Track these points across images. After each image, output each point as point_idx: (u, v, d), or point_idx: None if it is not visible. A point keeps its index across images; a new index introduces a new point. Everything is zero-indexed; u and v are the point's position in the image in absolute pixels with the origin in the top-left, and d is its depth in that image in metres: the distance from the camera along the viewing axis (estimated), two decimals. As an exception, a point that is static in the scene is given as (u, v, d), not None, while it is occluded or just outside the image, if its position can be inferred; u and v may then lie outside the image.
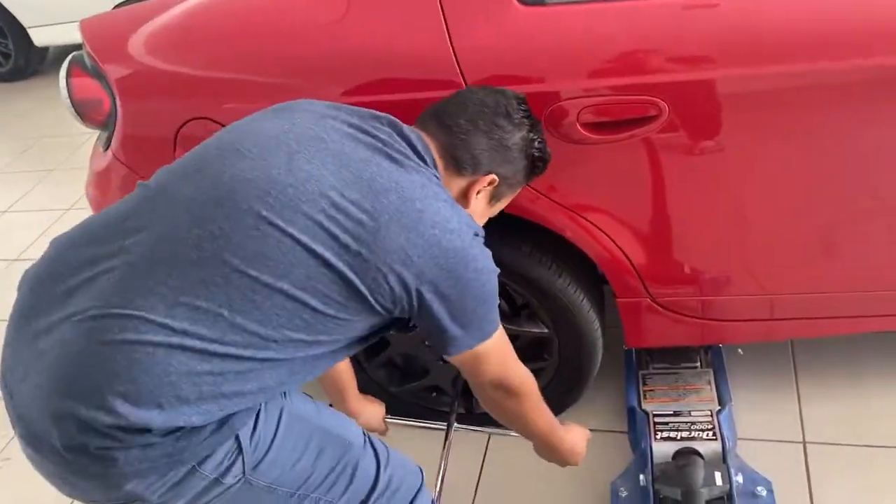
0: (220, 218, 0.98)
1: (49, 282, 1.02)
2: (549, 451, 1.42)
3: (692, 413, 1.65)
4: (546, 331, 1.68)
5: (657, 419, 1.65)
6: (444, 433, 1.64)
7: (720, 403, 1.68)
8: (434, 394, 1.89)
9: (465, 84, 1.35)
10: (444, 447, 1.60)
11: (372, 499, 1.18)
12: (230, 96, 1.48)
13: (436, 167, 1.16)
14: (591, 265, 1.60)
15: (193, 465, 1.00)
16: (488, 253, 1.13)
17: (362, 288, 1.01)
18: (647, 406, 1.71)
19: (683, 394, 1.73)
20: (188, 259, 0.96)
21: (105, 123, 1.60)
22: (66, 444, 0.94)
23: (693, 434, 1.60)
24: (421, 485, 1.28)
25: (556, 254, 1.56)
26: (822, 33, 1.26)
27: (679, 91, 1.30)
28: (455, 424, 1.66)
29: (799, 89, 1.29)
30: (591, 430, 1.81)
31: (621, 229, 1.49)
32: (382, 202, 1.02)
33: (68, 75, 1.62)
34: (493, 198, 1.26)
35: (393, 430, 1.71)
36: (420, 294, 1.05)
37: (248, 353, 0.98)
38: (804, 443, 1.71)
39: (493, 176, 1.21)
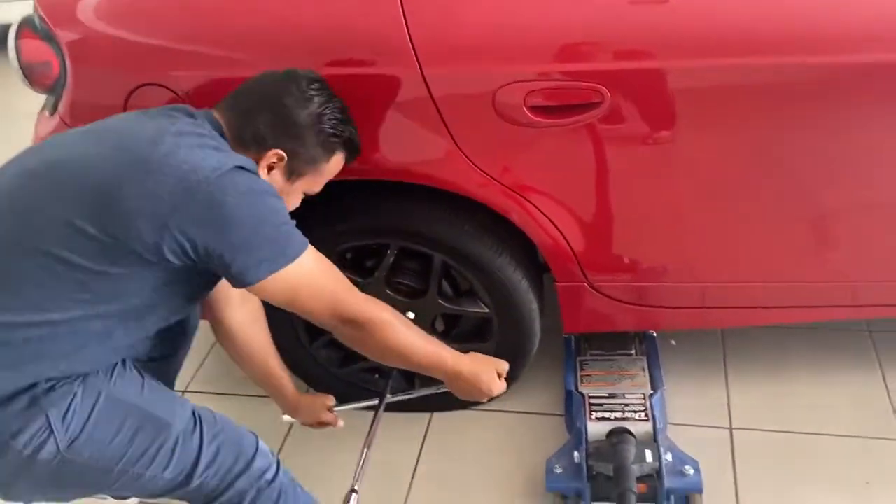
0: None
1: None
2: (452, 381, 1.38)
3: (626, 396, 1.71)
4: (487, 311, 1.72)
5: (592, 400, 1.70)
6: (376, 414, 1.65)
7: (653, 388, 1.74)
8: (377, 375, 1.91)
9: (419, 65, 1.39)
10: (370, 428, 1.60)
11: (197, 471, 1.23)
12: (180, 64, 1.48)
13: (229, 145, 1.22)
14: (531, 248, 1.66)
15: (7, 439, 1.09)
16: (256, 179, 1.17)
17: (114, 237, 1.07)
18: (584, 389, 1.76)
19: (618, 378, 1.78)
20: None
21: (53, 87, 1.59)
22: None
23: (626, 415, 1.65)
24: (255, 451, 1.30)
25: (498, 234, 1.61)
26: (754, 32, 1.33)
27: (620, 79, 1.36)
28: (386, 401, 1.67)
29: (731, 83, 1.36)
30: (531, 412, 1.88)
31: (563, 214, 1.54)
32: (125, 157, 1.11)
33: (18, 37, 1.60)
34: (292, 173, 1.29)
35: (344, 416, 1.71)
36: (180, 228, 1.07)
37: (23, 318, 1.07)
38: (731, 428, 1.78)
39: (279, 151, 1.25)
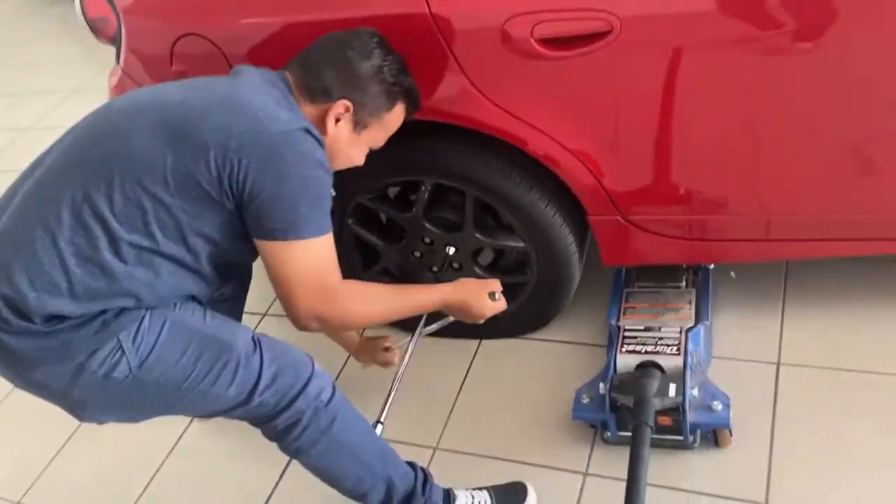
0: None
1: None
2: (449, 310, 1.51)
3: (662, 329, 1.68)
4: (523, 245, 1.74)
5: (627, 333, 1.70)
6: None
7: (696, 321, 1.71)
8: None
9: (428, 7, 1.40)
10: (406, 352, 1.69)
11: (258, 389, 1.32)
12: (219, 14, 1.57)
13: (297, 102, 1.31)
14: (566, 185, 1.64)
15: (82, 360, 1.19)
16: (317, 147, 1.25)
17: (191, 166, 1.18)
18: (623, 321, 1.75)
19: (662, 311, 1.76)
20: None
21: (114, 39, 1.73)
22: None
23: (658, 349, 1.64)
24: (311, 373, 1.38)
25: (528, 170, 1.61)
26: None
27: (630, 8, 1.31)
28: (420, 334, 1.73)
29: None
30: (576, 343, 1.90)
31: (583, 146, 1.53)
32: (213, 99, 1.22)
33: (82, -6, 1.75)
34: (358, 124, 1.36)
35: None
36: (240, 163, 1.17)
37: (102, 244, 1.18)
38: (778, 364, 1.72)
39: (347, 102, 1.32)
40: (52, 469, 1.96)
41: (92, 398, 1.27)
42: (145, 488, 1.85)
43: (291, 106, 1.29)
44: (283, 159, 1.19)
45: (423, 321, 1.73)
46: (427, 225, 1.77)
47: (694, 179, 1.56)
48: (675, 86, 1.40)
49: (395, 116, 1.41)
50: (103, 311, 1.22)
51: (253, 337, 1.35)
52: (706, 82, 1.40)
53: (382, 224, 1.91)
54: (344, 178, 1.67)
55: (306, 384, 1.35)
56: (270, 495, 1.75)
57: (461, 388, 1.89)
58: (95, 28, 1.76)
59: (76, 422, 1.91)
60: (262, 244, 1.25)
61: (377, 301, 1.39)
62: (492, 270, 1.86)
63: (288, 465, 1.77)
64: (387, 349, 1.84)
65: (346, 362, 1.99)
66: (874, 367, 1.65)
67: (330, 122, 1.33)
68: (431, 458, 1.73)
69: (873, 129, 1.43)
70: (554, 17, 1.34)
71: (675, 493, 1.54)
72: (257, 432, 1.65)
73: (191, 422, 1.98)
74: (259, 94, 1.26)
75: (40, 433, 2.05)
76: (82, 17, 1.75)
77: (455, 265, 1.84)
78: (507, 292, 1.87)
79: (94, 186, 1.19)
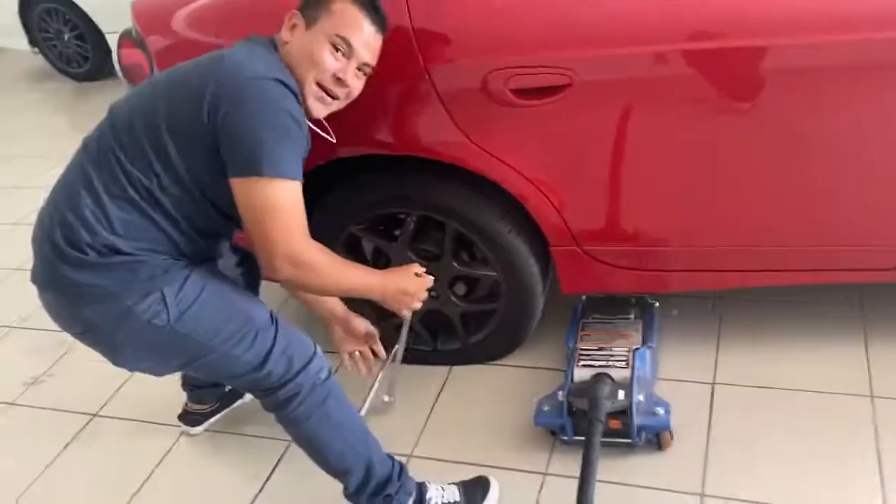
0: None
1: None
2: (385, 297, 1.60)
3: (613, 349, 1.93)
4: (494, 273, 1.99)
5: (582, 352, 1.94)
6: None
7: (642, 344, 1.96)
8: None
9: (421, 59, 1.69)
10: (388, 359, 1.89)
11: (271, 358, 1.53)
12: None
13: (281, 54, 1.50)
14: (533, 221, 1.90)
15: (129, 304, 1.42)
16: (287, 96, 1.39)
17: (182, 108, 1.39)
18: (579, 344, 1.99)
19: (614, 338, 2.00)
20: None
21: (146, 83, 1.99)
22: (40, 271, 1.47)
23: (610, 363, 1.88)
24: (314, 353, 1.59)
25: (500, 204, 1.87)
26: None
27: (587, 65, 1.61)
28: (399, 345, 1.93)
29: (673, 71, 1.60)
30: (536, 367, 2.13)
31: (549, 184, 1.80)
32: (203, 57, 1.47)
33: (120, 46, 2.03)
34: (309, 22, 1.49)
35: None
36: (216, 104, 1.35)
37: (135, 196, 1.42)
38: (713, 383, 1.97)
39: (293, 10, 1.51)
40: (40, 482, 2.06)
41: (131, 341, 1.48)
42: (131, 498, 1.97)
43: (270, 60, 1.45)
44: (251, 102, 1.35)
45: (401, 341, 1.94)
46: (410, 255, 2.01)
47: (641, 217, 1.84)
48: (624, 135, 1.69)
49: (342, 7, 1.48)
50: (148, 260, 1.42)
51: (271, 314, 1.57)
52: (648, 134, 1.69)
53: (368, 254, 2.15)
54: (338, 209, 1.94)
55: (309, 361, 1.56)
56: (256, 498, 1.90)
57: (433, 406, 2.09)
58: (128, 74, 2.02)
59: (67, 437, 2.16)
60: (232, 182, 1.39)
61: (335, 260, 1.50)
62: (466, 300, 2.11)
63: (270, 476, 1.95)
64: (372, 351, 1.92)
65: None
66: (792, 385, 1.92)
67: (286, 32, 1.51)
68: (407, 463, 1.91)
69: (796, 178, 1.70)
70: (525, 72, 1.64)
71: (623, 488, 1.74)
72: (240, 446, 1.83)
73: (180, 435, 2.13)
74: (241, 50, 1.46)
75: (32, 446, 2.18)
76: (118, 65, 2.02)
77: (433, 293, 2.07)
78: (479, 320, 2.13)
79: (114, 139, 1.44)
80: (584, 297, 2.16)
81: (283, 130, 1.37)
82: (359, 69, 1.53)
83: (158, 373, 1.62)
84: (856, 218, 1.74)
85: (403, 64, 1.70)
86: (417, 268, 1.67)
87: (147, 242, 1.44)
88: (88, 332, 1.49)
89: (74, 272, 1.41)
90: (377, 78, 1.65)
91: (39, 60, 5.91)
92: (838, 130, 1.61)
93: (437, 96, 1.72)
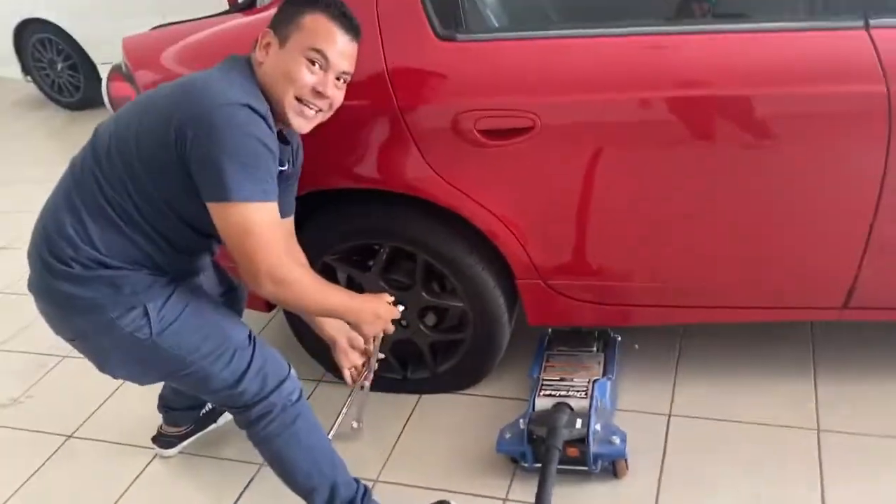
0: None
1: None
2: (358, 318, 1.67)
3: (574, 380, 2.01)
4: (462, 304, 2.07)
5: (545, 382, 2.01)
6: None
7: (602, 376, 2.04)
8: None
9: (395, 100, 1.79)
10: (357, 386, 1.96)
11: (247, 377, 1.61)
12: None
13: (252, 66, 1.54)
14: (501, 255, 1.99)
15: (113, 317, 1.50)
16: (256, 122, 1.42)
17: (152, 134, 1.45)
18: (542, 375, 2.07)
19: (576, 370, 2.08)
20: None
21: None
22: (34, 282, 1.55)
23: (570, 393, 1.95)
24: (287, 374, 1.66)
25: (469, 238, 1.96)
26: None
27: (548, 110, 1.72)
28: (368, 373, 1.96)
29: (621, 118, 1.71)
30: (504, 397, 2.20)
31: (514, 220, 1.89)
32: (176, 82, 1.52)
33: (110, 79, 2.12)
34: (282, 40, 1.50)
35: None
36: (183, 132, 1.39)
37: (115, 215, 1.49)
38: (669, 414, 2.05)
39: (266, 29, 1.53)
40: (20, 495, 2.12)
41: (116, 350, 1.57)
42: (109, 509, 2.02)
43: (243, 84, 1.47)
44: (217, 129, 1.38)
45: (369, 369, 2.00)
46: (382, 284, 2.09)
47: (601, 254, 1.93)
48: (584, 177, 1.79)
49: (313, 21, 1.49)
50: (130, 275, 1.50)
51: (250, 334, 1.65)
52: (607, 176, 1.79)
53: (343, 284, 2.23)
54: (315, 239, 2.02)
55: (282, 382, 1.64)
56: (226, 515, 1.96)
57: (401, 433, 2.15)
58: (116, 106, 2.11)
59: (42, 458, 2.23)
60: (208, 206, 1.44)
61: (316, 279, 1.59)
62: (436, 330, 2.19)
63: (240, 497, 2.00)
64: (364, 364, 1.93)
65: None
66: (744, 418, 2.00)
67: (260, 52, 1.52)
68: (373, 488, 1.96)
69: (744, 219, 1.80)
70: (491, 114, 1.75)
71: (580, 513, 1.81)
72: (212, 468, 1.96)
73: (154, 457, 2.18)
74: (213, 75, 1.48)
75: (6, 466, 2.23)
76: (106, 97, 2.11)
77: (403, 322, 2.15)
78: (448, 350, 2.21)
79: (94, 161, 1.51)
80: (550, 330, 2.25)
81: (251, 155, 1.41)
82: (338, 78, 1.55)
83: (141, 382, 1.71)
84: (801, 258, 1.84)
85: (378, 104, 1.80)
86: (388, 297, 1.76)
87: (128, 259, 1.51)
88: (78, 339, 1.58)
89: (62, 284, 1.49)
90: (355, 115, 1.75)
91: (32, 89, 6.02)
92: (780, 174, 1.71)
93: (409, 135, 1.82)
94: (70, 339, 1.60)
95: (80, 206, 1.50)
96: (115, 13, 5.05)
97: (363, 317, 1.68)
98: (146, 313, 1.52)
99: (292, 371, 1.69)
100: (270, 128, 1.47)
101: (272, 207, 1.46)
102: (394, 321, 1.77)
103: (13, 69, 5.84)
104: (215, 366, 1.59)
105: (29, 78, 5.85)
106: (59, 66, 5.65)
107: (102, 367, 1.64)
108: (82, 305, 1.50)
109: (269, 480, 1.75)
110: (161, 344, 1.54)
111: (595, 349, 2.16)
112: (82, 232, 1.49)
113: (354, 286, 2.18)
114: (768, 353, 2.20)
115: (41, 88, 5.90)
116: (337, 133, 1.76)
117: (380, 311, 1.71)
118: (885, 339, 2.17)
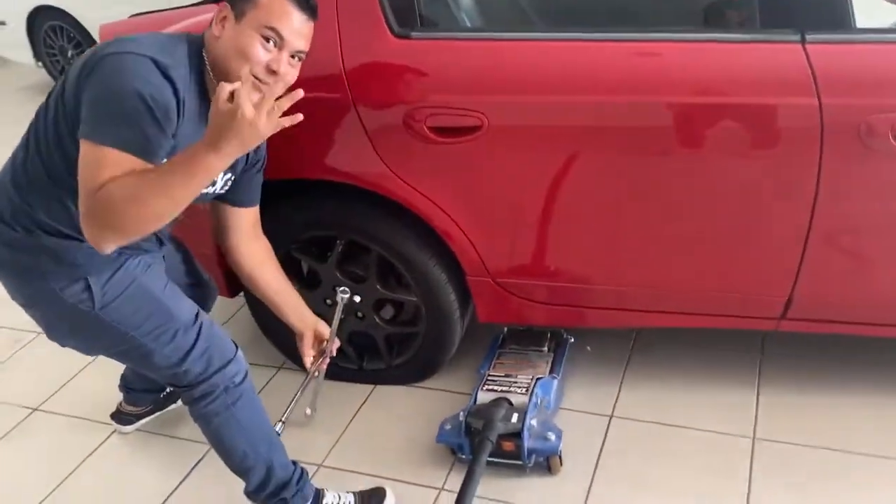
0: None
1: None
2: (212, 157, 1.32)
3: (518, 376, 2.05)
4: (415, 298, 2.12)
5: (489, 377, 2.06)
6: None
7: (547, 374, 2.07)
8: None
9: (350, 95, 1.84)
10: (312, 374, 2.01)
11: (190, 357, 1.65)
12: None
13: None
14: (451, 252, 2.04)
15: (56, 288, 1.55)
16: (147, 74, 1.35)
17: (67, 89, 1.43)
18: (490, 371, 2.11)
19: (524, 367, 2.12)
20: None
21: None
22: None
23: (511, 389, 1.99)
24: (233, 357, 1.69)
25: (421, 234, 2.01)
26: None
27: (495, 109, 1.77)
28: (324, 361, 2.01)
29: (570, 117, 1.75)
30: (452, 391, 2.24)
31: (464, 216, 1.94)
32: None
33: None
34: (238, 16, 1.46)
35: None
36: (83, 80, 1.38)
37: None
38: (611, 416, 2.08)
39: (224, 3, 1.48)
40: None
41: (61, 321, 1.62)
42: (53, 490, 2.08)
43: (164, 43, 1.44)
44: (101, 74, 1.36)
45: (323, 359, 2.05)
46: (338, 275, 2.14)
47: (547, 254, 1.96)
48: (529, 178, 1.84)
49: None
50: (70, 246, 1.51)
51: (197, 315, 1.68)
52: (553, 177, 1.83)
53: (304, 274, 2.28)
54: (277, 230, 2.07)
55: (226, 364, 1.68)
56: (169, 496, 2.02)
57: (351, 420, 2.20)
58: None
59: (6, 428, 2.31)
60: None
61: (139, 180, 1.32)
62: (391, 323, 2.23)
63: (188, 475, 2.06)
64: (320, 352, 1.97)
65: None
66: (683, 423, 2.03)
67: (217, 26, 1.48)
68: (315, 473, 2.01)
69: (684, 226, 1.84)
70: (441, 112, 1.79)
71: (507, 506, 1.86)
72: (166, 446, 2.06)
73: (112, 433, 2.24)
74: (140, 35, 1.45)
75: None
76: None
77: (360, 314, 2.20)
78: (403, 343, 2.25)
79: (34, 126, 1.53)
80: (505, 329, 2.29)
81: (120, 100, 1.34)
82: (292, 56, 1.50)
83: (88, 352, 1.77)
84: (740, 268, 1.87)
85: (334, 97, 1.85)
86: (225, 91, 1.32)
87: (72, 227, 1.49)
88: (28, 306, 1.64)
89: (8, 250, 1.55)
90: (311, 108, 1.79)
91: (43, 74, 6.14)
92: (718, 184, 1.75)
93: (363, 129, 1.87)
94: (22, 305, 1.65)
95: (21, 173, 1.53)
96: (125, 2, 5.14)
97: (233, 145, 1.31)
98: (88, 287, 1.56)
99: (239, 353, 1.72)
100: (175, 88, 1.40)
101: (122, 157, 1.33)
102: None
103: (25, 54, 5.96)
104: (156, 343, 1.63)
105: (40, 64, 5.97)
106: (70, 52, 5.76)
107: (49, 334, 1.69)
108: (27, 273, 1.55)
109: (218, 461, 1.80)
110: (104, 318, 1.59)
111: (546, 349, 2.20)
112: (25, 199, 1.52)
113: (313, 277, 2.23)
114: (717, 361, 2.23)
115: (51, 74, 6.02)
116: (298, 125, 1.80)
117: (245, 110, 1.28)
118: (831, 350, 2.19)
